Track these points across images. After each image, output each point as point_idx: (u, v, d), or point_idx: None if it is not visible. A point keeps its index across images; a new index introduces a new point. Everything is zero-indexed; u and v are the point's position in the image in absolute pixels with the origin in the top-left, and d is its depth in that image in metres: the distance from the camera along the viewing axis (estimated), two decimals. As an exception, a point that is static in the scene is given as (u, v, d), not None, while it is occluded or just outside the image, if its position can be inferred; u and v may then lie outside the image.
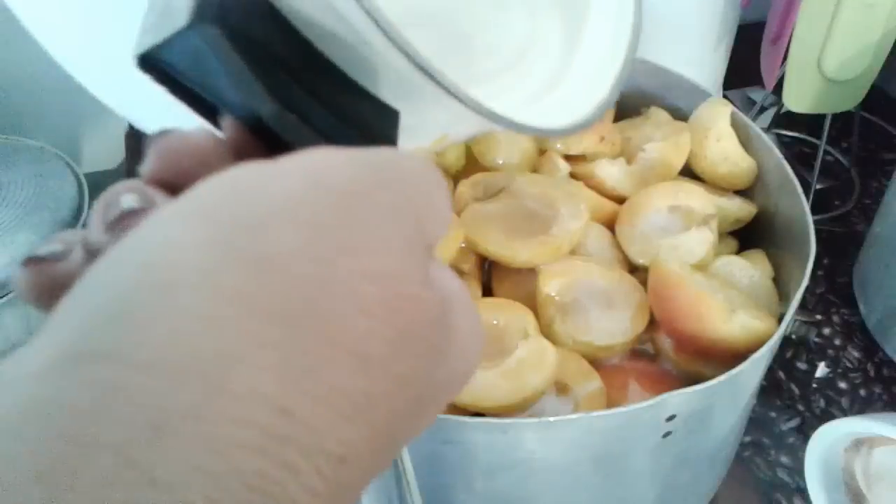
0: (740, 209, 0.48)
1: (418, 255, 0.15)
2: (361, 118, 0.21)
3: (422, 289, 0.15)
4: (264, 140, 0.18)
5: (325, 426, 0.13)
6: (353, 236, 0.14)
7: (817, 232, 0.42)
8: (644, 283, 0.42)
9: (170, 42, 0.18)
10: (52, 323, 0.13)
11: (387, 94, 0.21)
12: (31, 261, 0.16)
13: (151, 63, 0.19)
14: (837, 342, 0.60)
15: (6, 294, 0.54)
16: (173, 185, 0.17)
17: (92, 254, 0.16)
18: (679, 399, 0.35)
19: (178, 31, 0.18)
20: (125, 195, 0.16)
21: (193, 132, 0.18)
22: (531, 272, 0.43)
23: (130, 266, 0.13)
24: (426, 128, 0.22)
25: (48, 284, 0.16)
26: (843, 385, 0.57)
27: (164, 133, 0.18)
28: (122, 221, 0.16)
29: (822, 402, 0.56)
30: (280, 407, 0.12)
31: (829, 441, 0.45)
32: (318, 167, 0.15)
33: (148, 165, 0.17)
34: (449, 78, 0.20)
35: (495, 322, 0.40)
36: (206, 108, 0.19)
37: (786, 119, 0.72)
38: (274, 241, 0.14)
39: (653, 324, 0.42)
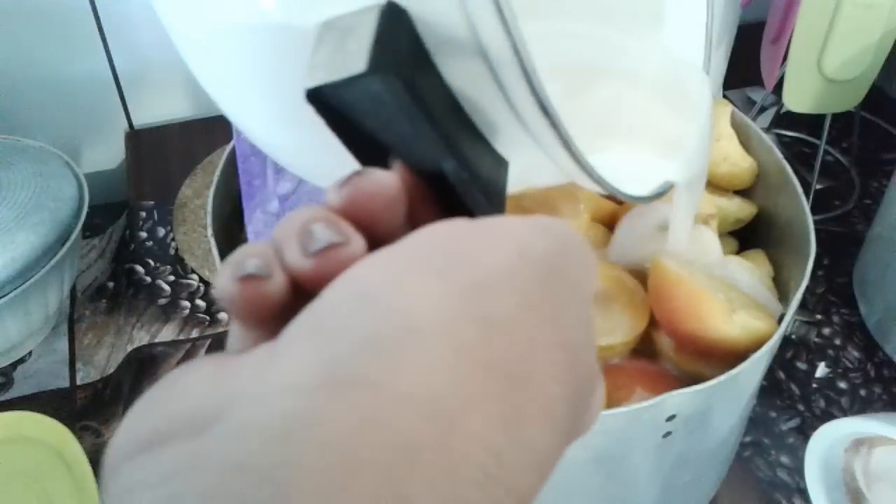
0: (740, 209, 0.48)
1: (589, 324, 0.18)
2: (487, 169, 0.22)
3: (594, 358, 0.18)
4: (432, 187, 0.20)
5: (520, 472, 0.15)
6: (554, 309, 0.17)
7: (817, 232, 0.42)
8: (644, 283, 0.42)
9: (350, 83, 0.19)
10: (299, 343, 0.15)
11: (502, 145, 0.22)
12: (248, 278, 0.17)
13: (322, 98, 0.19)
14: (837, 342, 0.60)
15: (6, 294, 0.54)
16: (358, 221, 0.18)
17: (291, 275, 0.18)
18: (679, 399, 0.35)
19: (359, 75, 0.19)
20: (320, 226, 0.18)
21: (385, 175, 0.19)
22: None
23: (381, 308, 0.15)
24: (519, 178, 0.23)
25: (257, 301, 0.17)
26: (843, 385, 0.57)
27: (360, 173, 0.19)
28: (325, 253, 0.17)
29: (822, 402, 0.56)
30: (495, 451, 0.14)
31: (829, 441, 0.45)
32: (520, 238, 0.17)
33: (338, 199, 0.18)
34: (573, 140, 0.21)
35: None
36: (362, 147, 0.20)
37: (786, 119, 0.72)
38: (497, 305, 0.16)
39: (653, 324, 0.42)
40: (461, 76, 0.21)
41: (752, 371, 0.38)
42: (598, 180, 0.23)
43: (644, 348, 0.42)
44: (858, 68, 0.56)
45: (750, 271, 0.45)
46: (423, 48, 0.20)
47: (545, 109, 0.20)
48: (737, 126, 0.49)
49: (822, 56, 0.55)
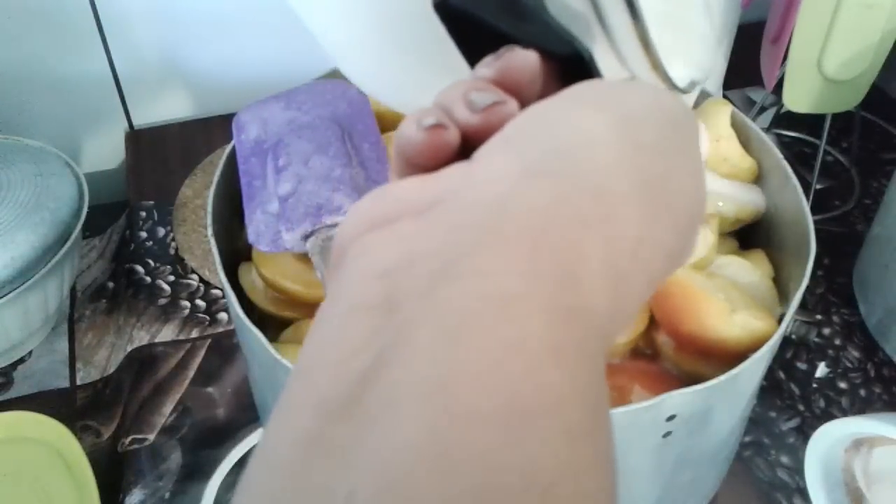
0: (741, 209, 0.48)
1: (702, 173, 0.23)
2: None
3: (704, 204, 0.23)
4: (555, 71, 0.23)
5: (650, 261, 0.20)
6: (682, 146, 0.21)
7: (817, 232, 0.42)
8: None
9: None
10: (494, 153, 0.20)
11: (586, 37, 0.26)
12: (434, 127, 0.21)
13: (449, 7, 0.23)
14: (837, 342, 0.60)
15: (6, 294, 0.54)
16: (506, 90, 0.22)
17: (461, 128, 0.21)
18: (679, 399, 0.35)
19: None
20: (478, 92, 0.21)
21: (530, 53, 0.22)
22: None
23: (560, 128, 0.20)
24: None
25: (438, 146, 0.21)
26: (843, 385, 0.57)
27: (510, 49, 0.22)
28: (490, 109, 0.21)
29: (822, 402, 0.56)
30: (640, 237, 0.19)
31: (829, 441, 0.45)
32: (655, 92, 0.22)
33: (491, 71, 0.22)
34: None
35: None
36: (478, 53, 0.23)
37: (786, 119, 0.72)
38: (644, 133, 0.20)
39: (653, 324, 0.42)
40: None
41: (752, 371, 0.38)
42: (663, 72, 0.28)
43: (644, 348, 0.42)
44: (858, 68, 0.56)
45: (750, 271, 0.45)
46: None
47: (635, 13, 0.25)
48: (737, 126, 0.49)
49: (822, 56, 0.55)
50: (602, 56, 0.26)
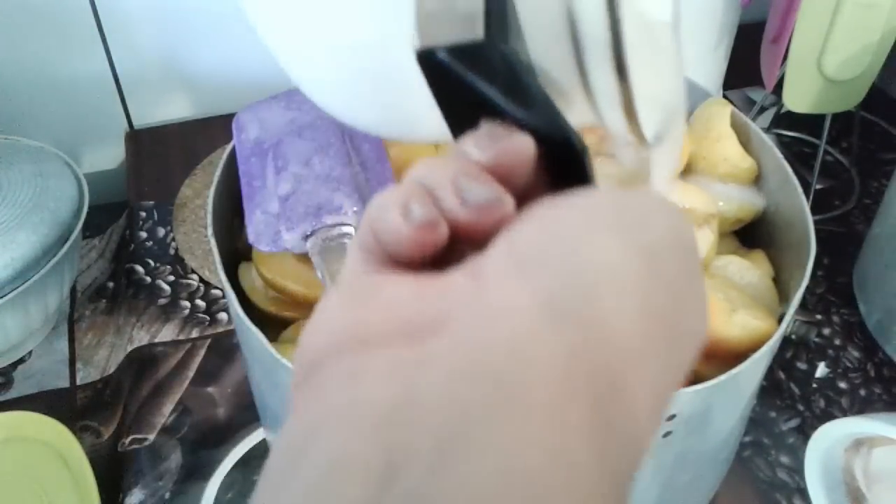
0: (741, 209, 0.48)
1: (706, 302, 0.21)
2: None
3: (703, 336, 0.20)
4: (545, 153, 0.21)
5: (657, 420, 0.18)
6: (692, 280, 0.19)
7: (817, 232, 0.42)
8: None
9: (472, 49, 0.20)
10: (507, 274, 0.17)
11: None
12: (424, 225, 0.19)
13: (433, 60, 0.20)
14: (837, 342, 0.60)
15: (6, 294, 0.54)
16: (498, 178, 0.20)
17: (448, 222, 0.19)
18: (679, 399, 0.35)
19: (482, 43, 0.19)
20: (470, 182, 0.19)
21: (526, 138, 0.20)
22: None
23: (580, 255, 0.17)
24: None
25: (426, 245, 0.19)
26: (843, 385, 0.57)
27: (506, 133, 0.20)
28: (485, 207, 0.19)
29: (822, 402, 0.56)
30: (655, 395, 0.17)
31: (829, 441, 0.45)
32: (672, 213, 0.20)
33: (485, 157, 0.20)
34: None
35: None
36: (458, 113, 0.21)
37: (786, 119, 0.72)
38: (665, 267, 0.18)
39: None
40: (540, 44, 0.22)
41: (752, 371, 0.38)
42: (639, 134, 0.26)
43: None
44: (858, 68, 0.56)
45: (750, 271, 0.45)
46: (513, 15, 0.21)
47: (623, 74, 0.23)
48: (737, 126, 0.49)
49: (822, 56, 0.55)
50: (575, 110, 0.25)
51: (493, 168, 0.20)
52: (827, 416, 0.54)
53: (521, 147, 0.20)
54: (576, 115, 0.24)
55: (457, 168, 0.19)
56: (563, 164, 0.21)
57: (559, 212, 0.19)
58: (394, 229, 0.19)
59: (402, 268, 0.19)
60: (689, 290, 0.19)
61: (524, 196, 0.20)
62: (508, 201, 0.19)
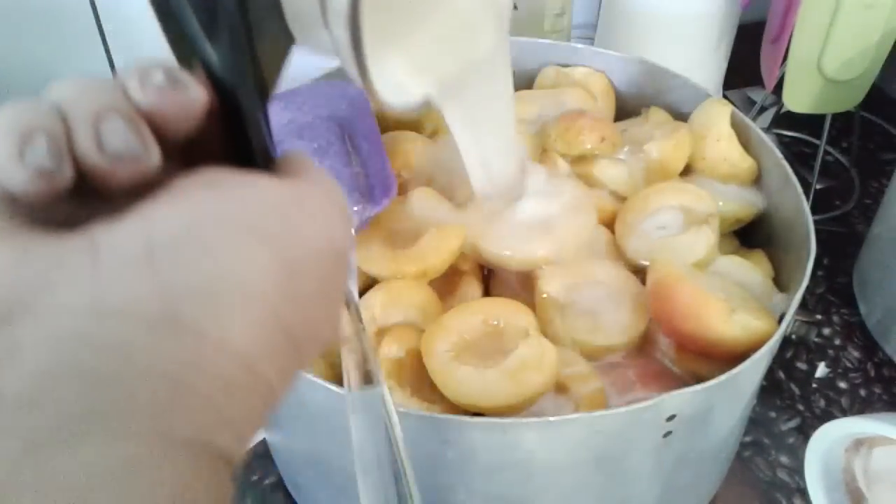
0: (741, 209, 0.48)
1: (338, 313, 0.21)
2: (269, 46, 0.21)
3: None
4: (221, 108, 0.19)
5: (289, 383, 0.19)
6: (330, 296, 0.20)
7: (817, 232, 0.42)
8: (644, 283, 0.42)
9: None
10: (133, 268, 0.16)
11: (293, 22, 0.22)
12: (43, 173, 0.16)
13: None
14: (837, 342, 0.60)
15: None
16: (154, 127, 0.18)
17: (80, 162, 0.17)
18: (679, 399, 0.35)
19: None
20: (120, 124, 0.17)
21: (199, 91, 0.18)
22: (531, 272, 0.43)
23: (218, 264, 0.17)
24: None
25: (43, 195, 0.17)
26: (843, 385, 0.57)
27: (177, 81, 0.18)
28: (124, 160, 0.17)
29: (822, 402, 0.56)
30: (272, 392, 0.18)
31: (829, 441, 0.45)
32: (331, 224, 0.20)
33: (145, 100, 0.18)
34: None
35: (495, 322, 0.40)
36: (178, 44, 0.20)
37: (786, 119, 0.72)
38: (304, 285, 0.18)
39: (653, 324, 0.42)
40: None
41: (752, 371, 0.38)
42: (368, 83, 0.25)
43: (644, 348, 0.42)
44: (858, 68, 0.56)
45: (750, 271, 0.45)
46: None
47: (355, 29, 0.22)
48: (737, 126, 0.49)
49: (822, 56, 0.55)
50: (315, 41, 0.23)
51: (152, 114, 0.18)
52: (827, 416, 0.54)
53: (188, 100, 0.18)
54: (318, 47, 0.23)
55: (109, 102, 0.17)
56: (240, 123, 0.19)
57: (213, 199, 0.17)
58: (7, 171, 0.16)
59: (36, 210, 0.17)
60: (322, 304, 0.19)
61: (196, 149, 0.19)
62: (152, 157, 0.17)
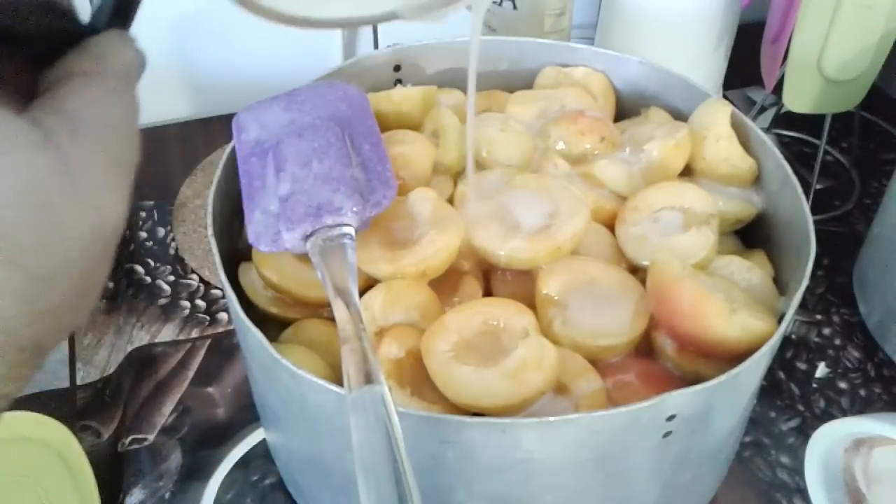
0: (741, 209, 0.48)
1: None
2: None
3: None
4: None
5: None
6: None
7: (817, 232, 0.42)
8: (644, 283, 0.42)
9: None
10: None
11: None
12: None
13: None
14: (837, 342, 0.60)
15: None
16: None
17: None
18: (679, 399, 0.35)
19: None
20: None
21: None
22: (531, 272, 0.43)
23: None
24: None
25: None
26: (843, 385, 0.57)
27: None
28: None
29: (822, 402, 0.56)
30: None
31: (829, 441, 0.45)
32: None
33: None
34: None
35: (495, 322, 0.40)
36: None
37: (786, 119, 0.72)
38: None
39: (653, 324, 0.42)
40: None
41: (752, 371, 0.38)
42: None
43: (644, 348, 0.42)
44: (858, 69, 0.56)
45: (750, 271, 0.45)
46: None
47: None
48: (737, 126, 0.49)
49: (822, 56, 0.55)
50: None
51: None
52: (827, 416, 0.54)
53: None
54: None
55: None
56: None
57: None
58: None
59: None
60: (80, 302, 0.16)
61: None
62: None
